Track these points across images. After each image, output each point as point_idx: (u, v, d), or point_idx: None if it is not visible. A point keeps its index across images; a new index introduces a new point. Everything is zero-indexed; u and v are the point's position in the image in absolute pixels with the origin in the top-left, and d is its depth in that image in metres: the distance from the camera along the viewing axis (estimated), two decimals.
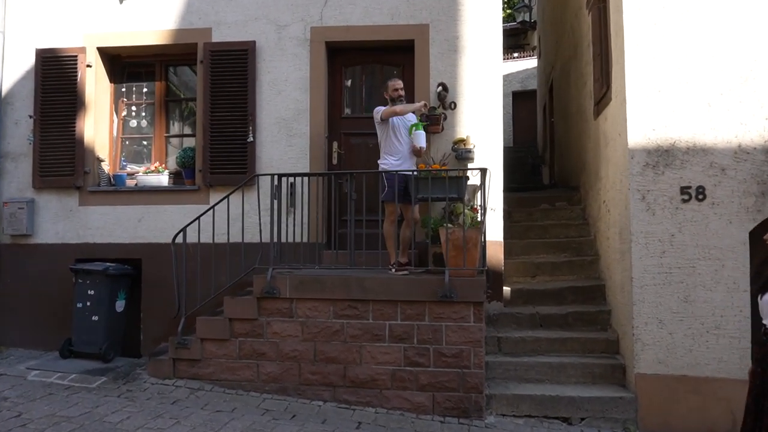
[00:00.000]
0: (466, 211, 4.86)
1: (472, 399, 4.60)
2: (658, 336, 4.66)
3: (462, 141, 5.61)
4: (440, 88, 5.67)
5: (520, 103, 14.91)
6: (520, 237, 6.67)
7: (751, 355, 4.43)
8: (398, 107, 5.13)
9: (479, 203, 5.19)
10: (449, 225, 4.79)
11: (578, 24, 7.23)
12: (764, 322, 3.29)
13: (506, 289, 5.78)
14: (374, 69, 6.27)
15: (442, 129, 5.70)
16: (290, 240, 5.23)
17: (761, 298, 3.31)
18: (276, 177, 5.05)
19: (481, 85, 5.72)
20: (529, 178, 10.90)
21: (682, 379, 4.60)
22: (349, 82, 6.30)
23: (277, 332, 4.85)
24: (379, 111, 5.15)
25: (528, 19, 15.11)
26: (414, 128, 5.17)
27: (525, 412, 4.69)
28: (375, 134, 5.34)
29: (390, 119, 5.10)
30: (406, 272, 5.01)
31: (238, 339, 4.90)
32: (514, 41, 16.31)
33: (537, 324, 5.50)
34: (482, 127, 5.70)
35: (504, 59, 5.97)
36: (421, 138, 5.18)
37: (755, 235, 4.50)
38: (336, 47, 6.02)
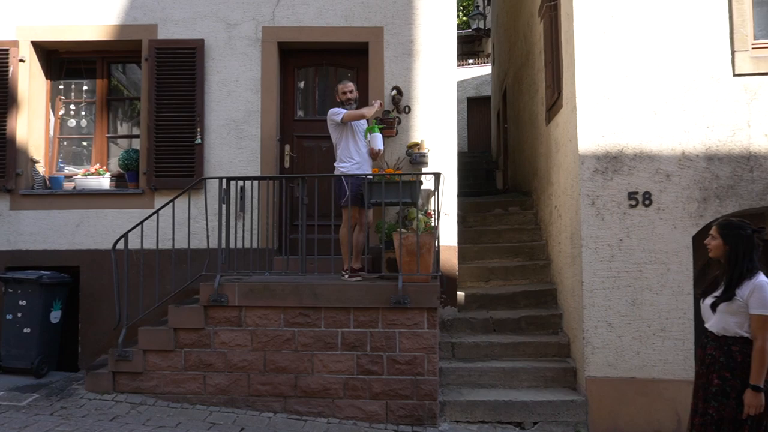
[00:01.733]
0: (419, 216, 4.81)
1: (426, 406, 4.55)
2: (607, 339, 4.74)
3: (416, 145, 5.57)
4: (394, 91, 5.63)
5: (475, 109, 15.10)
6: (474, 242, 6.70)
7: (694, 356, 4.56)
8: (365, 110, 5.03)
9: (433, 208, 5.16)
10: (403, 230, 4.73)
11: (530, 32, 7.34)
12: (706, 325, 3.36)
13: (460, 294, 5.77)
14: (328, 71, 6.16)
15: (396, 133, 5.66)
16: (239, 246, 5.06)
17: (703, 302, 3.38)
18: (225, 180, 4.87)
19: (436, 89, 5.70)
20: (483, 183, 11.02)
21: (630, 381, 4.69)
22: (302, 84, 6.17)
23: (225, 342, 4.67)
24: (339, 113, 4.98)
25: (482, 27, 15.34)
26: (369, 131, 5.09)
27: (479, 418, 4.68)
28: (328, 137, 5.22)
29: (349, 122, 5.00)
30: (359, 278, 4.92)
31: (183, 350, 4.68)
32: (469, 48, 16.55)
33: (491, 329, 5.52)
34: (436, 131, 5.68)
35: (459, 66, 6.01)
36: (378, 140, 5.09)
37: (698, 240, 4.64)
38: (289, 48, 5.89)
